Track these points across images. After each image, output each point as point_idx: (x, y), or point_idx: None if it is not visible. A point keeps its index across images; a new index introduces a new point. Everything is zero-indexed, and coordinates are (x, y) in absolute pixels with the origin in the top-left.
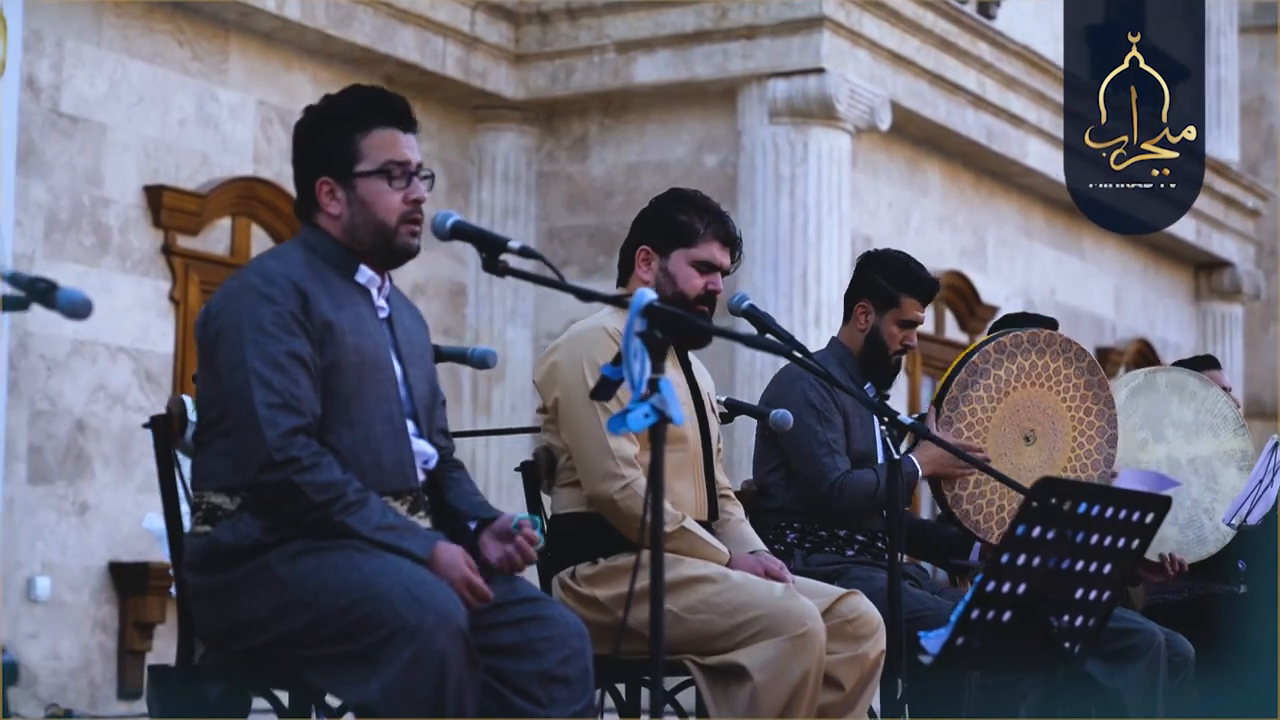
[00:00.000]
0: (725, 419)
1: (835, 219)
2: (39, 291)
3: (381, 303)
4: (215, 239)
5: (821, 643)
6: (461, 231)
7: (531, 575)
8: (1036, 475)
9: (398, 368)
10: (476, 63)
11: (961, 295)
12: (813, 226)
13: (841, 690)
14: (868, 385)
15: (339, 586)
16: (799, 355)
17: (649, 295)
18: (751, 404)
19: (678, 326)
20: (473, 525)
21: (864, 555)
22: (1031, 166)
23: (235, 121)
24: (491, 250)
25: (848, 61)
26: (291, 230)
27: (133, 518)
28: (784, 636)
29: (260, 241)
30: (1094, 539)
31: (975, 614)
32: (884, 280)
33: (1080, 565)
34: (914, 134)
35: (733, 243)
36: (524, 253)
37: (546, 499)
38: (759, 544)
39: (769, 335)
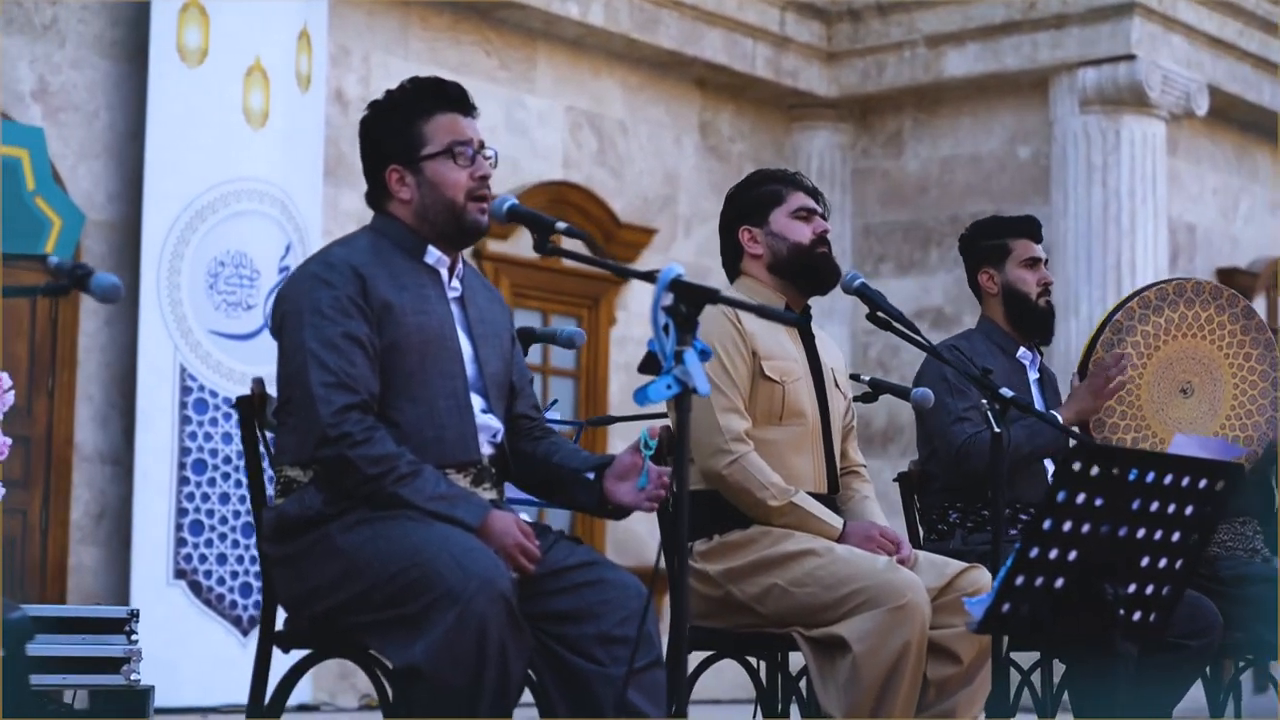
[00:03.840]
0: (869, 398)
1: (1150, 207)
2: (77, 278)
3: (455, 284)
4: (525, 242)
5: (924, 615)
6: (516, 214)
7: (650, 551)
8: (1199, 427)
9: (467, 346)
10: (788, 62)
11: None
12: (1126, 215)
13: (959, 663)
14: (1022, 351)
15: (391, 554)
16: (907, 332)
17: (676, 270)
18: (895, 383)
19: (703, 299)
20: (591, 475)
21: None
22: None
23: (544, 127)
24: (542, 231)
25: (1160, 47)
26: (599, 229)
27: None
28: (884, 608)
29: (570, 244)
30: (1154, 506)
31: (1020, 580)
32: (985, 240)
33: (1143, 533)
34: (1240, 119)
35: (815, 193)
36: (569, 233)
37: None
38: (881, 520)
39: (879, 314)
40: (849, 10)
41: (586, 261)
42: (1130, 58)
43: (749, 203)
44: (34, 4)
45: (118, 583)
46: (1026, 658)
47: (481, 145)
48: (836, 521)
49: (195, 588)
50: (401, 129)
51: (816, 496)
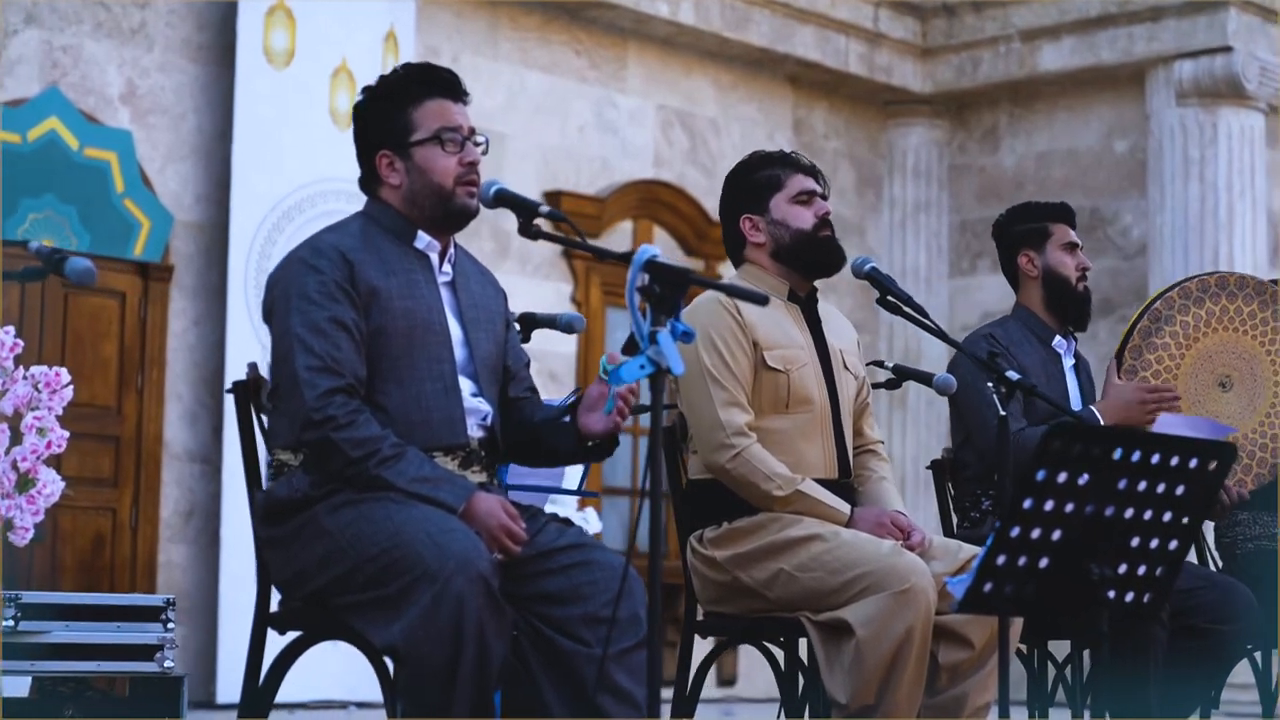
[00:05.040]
0: (893, 385)
1: (1248, 201)
2: (54, 263)
3: (446, 268)
4: (616, 241)
5: (928, 599)
6: (502, 198)
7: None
8: (1239, 421)
9: (457, 330)
10: (881, 58)
11: None
12: (1224, 209)
13: (972, 648)
14: (1057, 340)
15: (372, 535)
16: (918, 316)
17: (650, 251)
18: (918, 369)
19: (676, 280)
20: (567, 419)
21: None
22: None
23: (635, 126)
24: (526, 215)
25: (1258, 38)
26: (692, 230)
27: None
28: (887, 593)
29: (662, 242)
30: (1141, 485)
31: (1002, 560)
32: (1024, 224)
33: (1131, 513)
34: None
35: (814, 171)
36: (551, 216)
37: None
38: (896, 503)
39: (889, 298)
40: (943, 6)
41: (567, 244)
42: (1227, 49)
43: (747, 190)
44: (122, 8)
45: (207, 580)
46: (1063, 650)
47: (472, 132)
48: (844, 507)
49: None
50: (392, 115)
51: (828, 482)
